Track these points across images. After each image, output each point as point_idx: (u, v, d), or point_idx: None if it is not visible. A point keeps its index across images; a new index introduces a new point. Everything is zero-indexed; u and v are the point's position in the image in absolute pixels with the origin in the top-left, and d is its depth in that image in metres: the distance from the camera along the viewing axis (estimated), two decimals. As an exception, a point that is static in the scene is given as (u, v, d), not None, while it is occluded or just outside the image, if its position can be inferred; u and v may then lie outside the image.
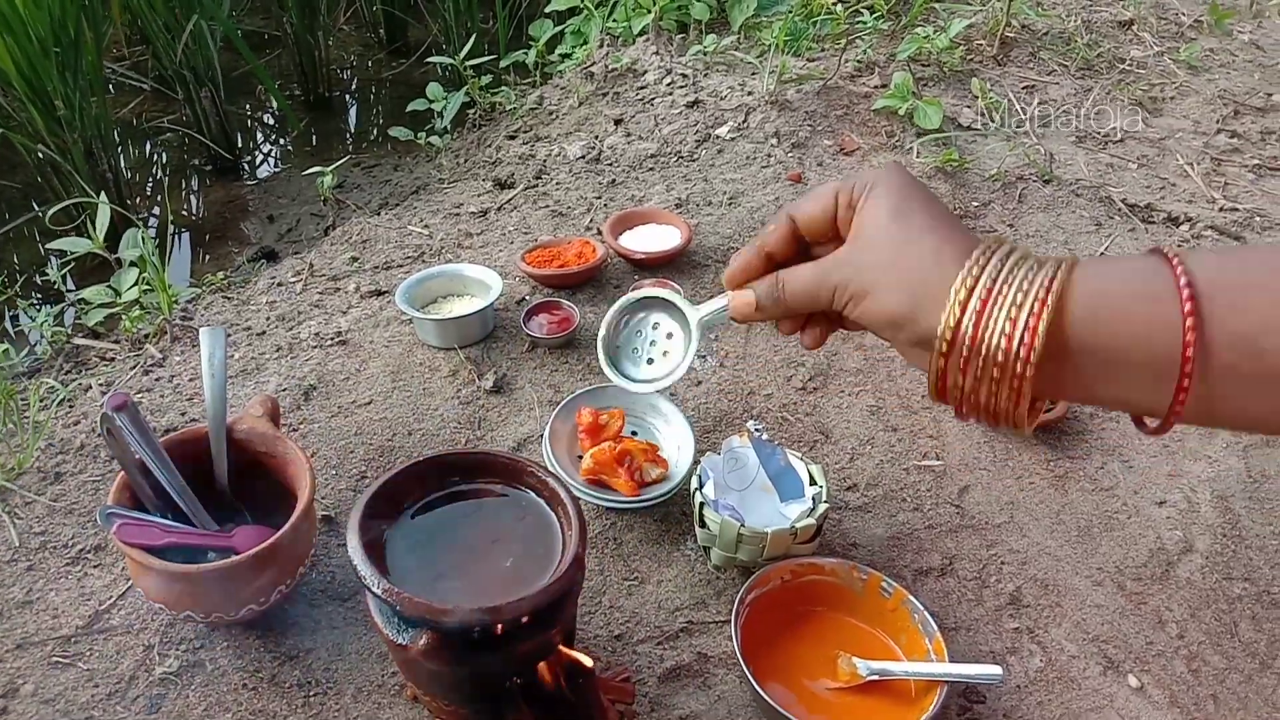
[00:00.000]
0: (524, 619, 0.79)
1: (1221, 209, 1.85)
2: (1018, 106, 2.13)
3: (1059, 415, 1.30)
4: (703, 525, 1.07)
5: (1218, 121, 2.16)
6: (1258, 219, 1.83)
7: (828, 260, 0.61)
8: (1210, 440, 1.34)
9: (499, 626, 0.79)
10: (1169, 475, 1.28)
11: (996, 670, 0.95)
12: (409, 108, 2.35)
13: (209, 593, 0.92)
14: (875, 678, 0.96)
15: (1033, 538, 1.17)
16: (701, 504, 1.06)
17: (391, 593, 0.77)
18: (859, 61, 2.20)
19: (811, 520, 1.04)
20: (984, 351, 0.53)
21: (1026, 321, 0.52)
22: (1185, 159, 2.01)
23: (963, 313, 0.53)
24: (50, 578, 1.05)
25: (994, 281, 0.54)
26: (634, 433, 1.22)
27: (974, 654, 1.03)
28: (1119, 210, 1.83)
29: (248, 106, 3.12)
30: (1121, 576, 1.13)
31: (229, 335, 1.42)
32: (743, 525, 1.02)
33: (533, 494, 0.91)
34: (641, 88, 2.13)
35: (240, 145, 2.89)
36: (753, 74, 2.13)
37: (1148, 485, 1.26)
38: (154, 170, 2.81)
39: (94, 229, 1.56)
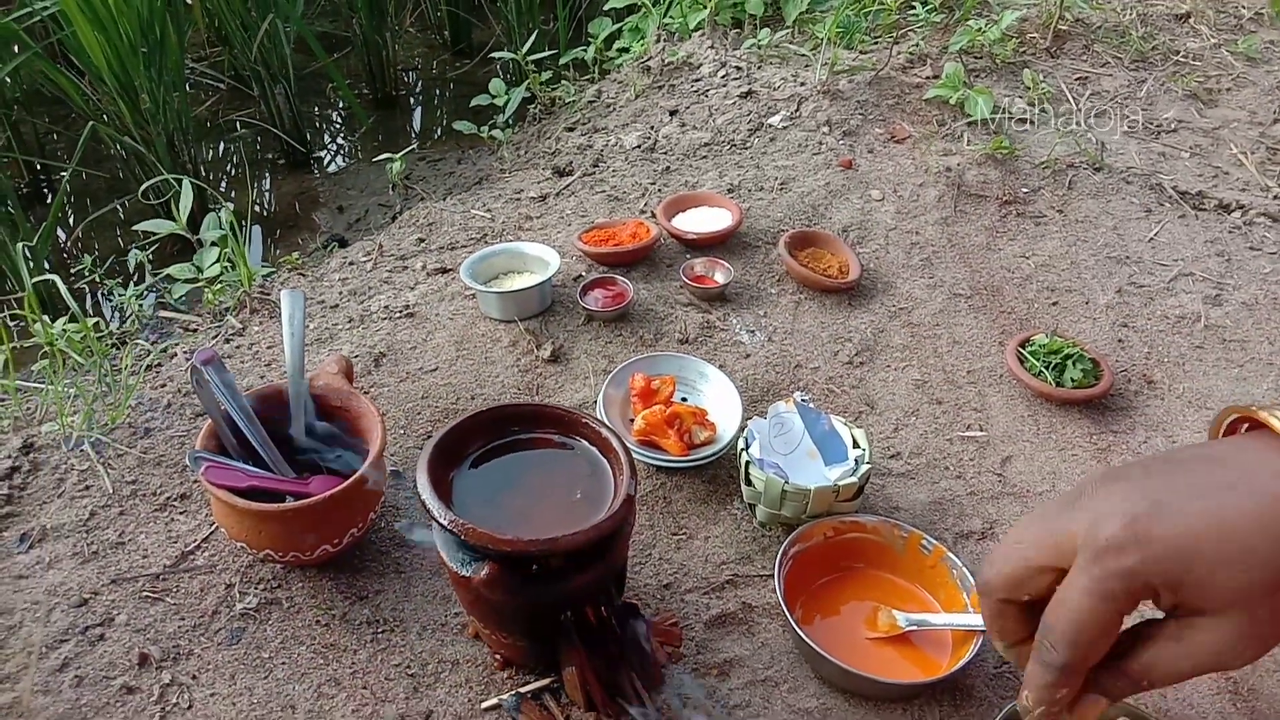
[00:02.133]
0: (579, 552, 0.85)
1: (1275, 197, 1.85)
2: (1070, 97, 2.14)
3: (1103, 390, 1.33)
4: (749, 483, 1.11)
5: (1275, 112, 2.15)
6: (1312, 207, 1.83)
7: (1208, 644, 0.52)
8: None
9: (556, 557, 0.85)
10: (1212, 449, 1.30)
11: None
12: (472, 103, 2.43)
13: (287, 532, 0.99)
14: (914, 629, 1.00)
15: (1073, 505, 1.20)
16: (748, 462, 1.11)
17: (456, 524, 0.83)
18: (911, 53, 2.23)
19: (854, 479, 1.08)
20: None
21: None
22: (1239, 148, 2.01)
23: None
24: (140, 522, 1.13)
25: None
26: (684, 399, 1.27)
27: (1011, 611, 1.07)
28: (1169, 197, 1.84)
29: (318, 105, 3.24)
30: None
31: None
32: (787, 482, 1.07)
33: (587, 443, 0.97)
34: (696, 80, 2.18)
35: (311, 140, 3.01)
36: (805, 66, 2.18)
37: (1190, 459, 1.28)
38: (230, 163, 2.93)
39: (178, 211, 1.65)
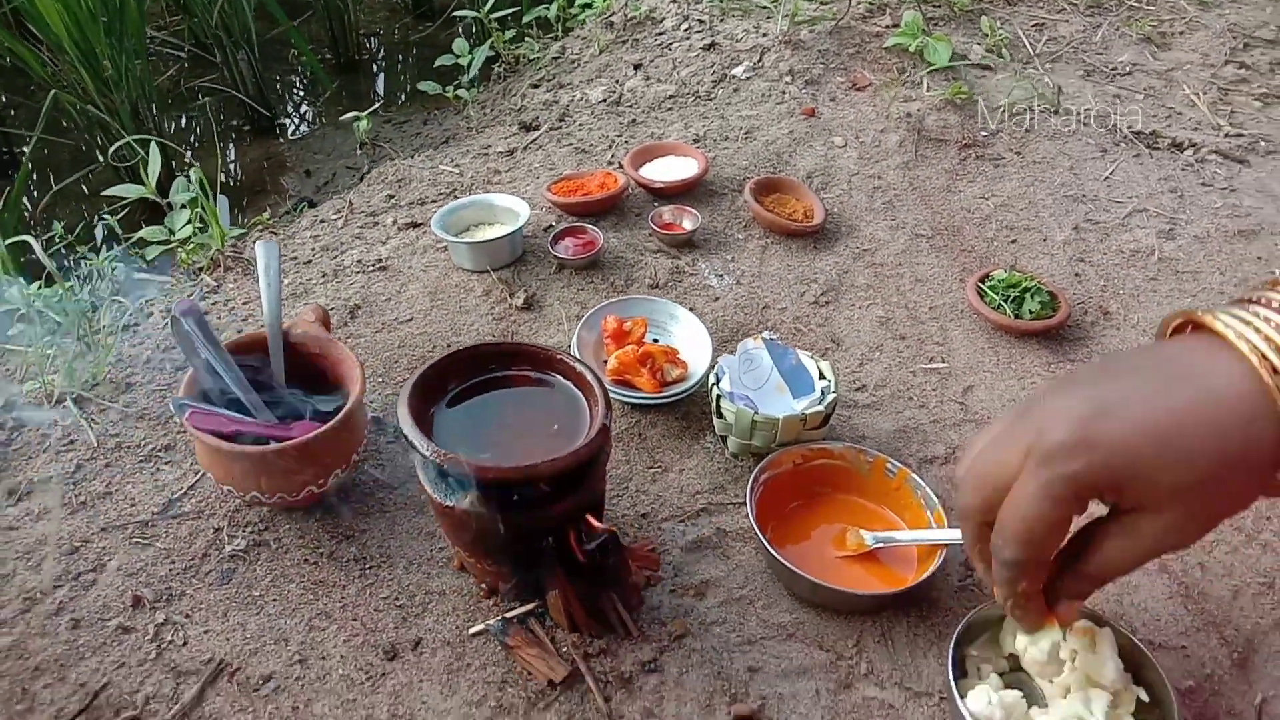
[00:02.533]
0: (558, 478, 0.88)
1: (1226, 135, 1.90)
2: (1027, 43, 2.18)
3: (1061, 321, 1.38)
4: (720, 415, 1.15)
5: (1226, 54, 2.20)
6: (1262, 144, 1.88)
7: (1150, 536, 0.56)
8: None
9: (536, 484, 0.89)
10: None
11: None
12: (436, 63, 2.44)
13: (273, 473, 1.02)
14: (880, 546, 1.05)
15: (1032, 430, 1.25)
16: (719, 396, 1.14)
17: (439, 454, 0.86)
18: (870, 2, 2.26)
19: (820, 408, 1.12)
20: None
21: None
22: (1192, 89, 2.06)
23: (1270, 361, 0.51)
24: (126, 473, 1.16)
25: (1253, 326, 0.52)
26: (655, 339, 1.31)
27: (974, 529, 1.11)
28: (1124, 138, 1.89)
29: (281, 71, 3.23)
30: (1116, 463, 1.20)
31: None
32: (756, 413, 1.11)
33: (562, 378, 1.00)
34: (660, 34, 2.20)
35: (275, 106, 3.00)
36: (767, 17, 2.20)
37: (1144, 383, 1.33)
38: (195, 131, 2.92)
39: (146, 176, 1.66)
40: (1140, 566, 0.59)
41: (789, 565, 0.97)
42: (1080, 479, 0.54)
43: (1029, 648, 0.75)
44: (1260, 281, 0.56)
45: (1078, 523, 0.60)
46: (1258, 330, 0.53)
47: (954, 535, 1.04)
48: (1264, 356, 0.52)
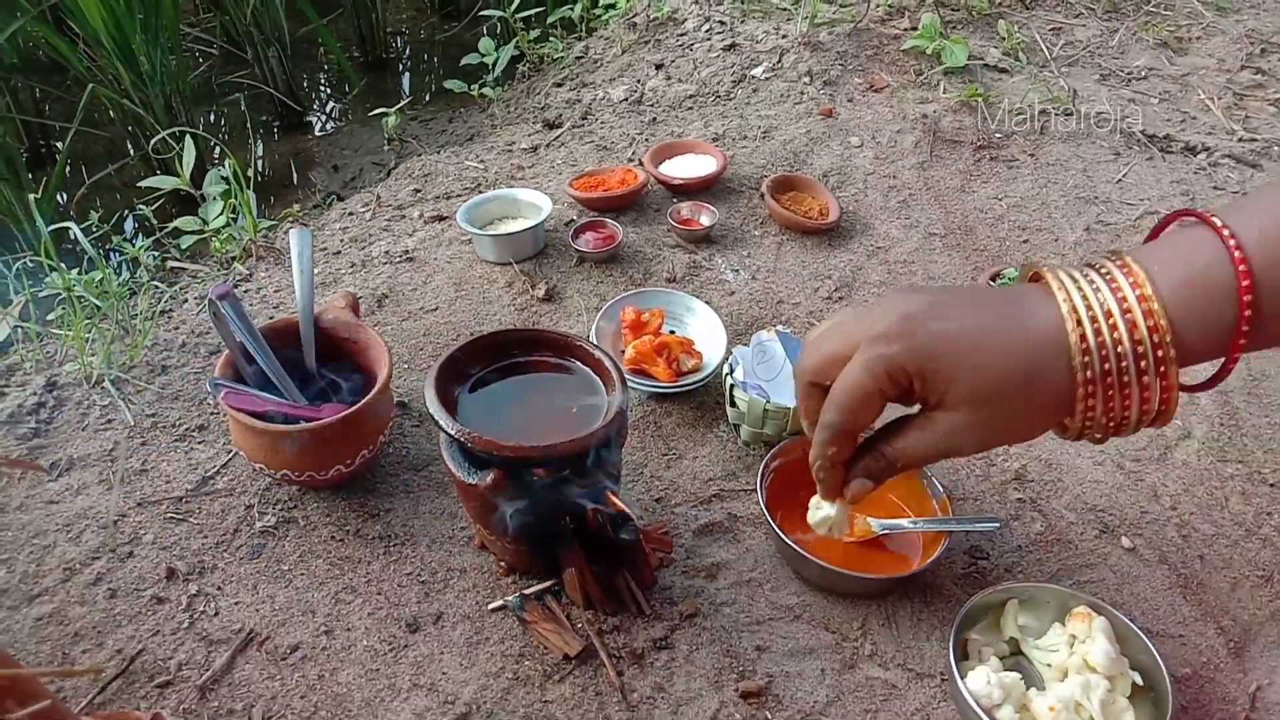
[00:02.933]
0: (577, 458, 0.92)
1: (1240, 139, 1.92)
2: (1043, 47, 2.21)
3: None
4: (733, 404, 1.19)
5: (1243, 59, 2.21)
6: (1275, 148, 1.89)
7: (944, 432, 0.63)
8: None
9: (556, 463, 0.93)
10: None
11: (994, 520, 1.07)
12: (462, 62, 2.48)
13: (304, 452, 1.06)
14: (886, 532, 1.08)
15: (1039, 424, 1.28)
16: (732, 385, 1.18)
17: (464, 433, 0.90)
18: (889, 5, 2.29)
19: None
20: (1119, 344, 0.57)
21: (1135, 295, 0.57)
22: (1207, 94, 2.07)
23: (1081, 325, 0.58)
24: (162, 451, 1.21)
25: (1081, 290, 0.59)
26: (672, 330, 1.34)
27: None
28: (1138, 141, 1.91)
29: (309, 69, 3.28)
30: (1121, 458, 1.23)
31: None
32: (768, 402, 1.15)
33: (581, 364, 1.04)
34: (681, 35, 2.24)
35: (304, 102, 3.05)
36: (787, 19, 2.23)
37: (1151, 381, 1.36)
38: (226, 125, 2.98)
39: (181, 168, 1.71)
40: (929, 460, 0.66)
41: (798, 549, 1.01)
42: (893, 360, 0.61)
43: (815, 511, 0.80)
44: (1107, 250, 0.61)
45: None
46: (1080, 290, 0.60)
47: (957, 524, 1.07)
48: (1075, 313, 0.58)
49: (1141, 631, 0.93)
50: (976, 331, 0.60)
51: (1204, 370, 0.62)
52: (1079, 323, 0.58)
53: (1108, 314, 0.58)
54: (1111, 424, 0.61)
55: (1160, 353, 0.57)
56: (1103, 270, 0.60)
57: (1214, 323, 0.58)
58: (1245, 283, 0.56)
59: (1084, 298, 0.59)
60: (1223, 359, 0.60)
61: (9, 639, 0.98)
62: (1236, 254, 0.56)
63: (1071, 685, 0.89)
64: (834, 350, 0.65)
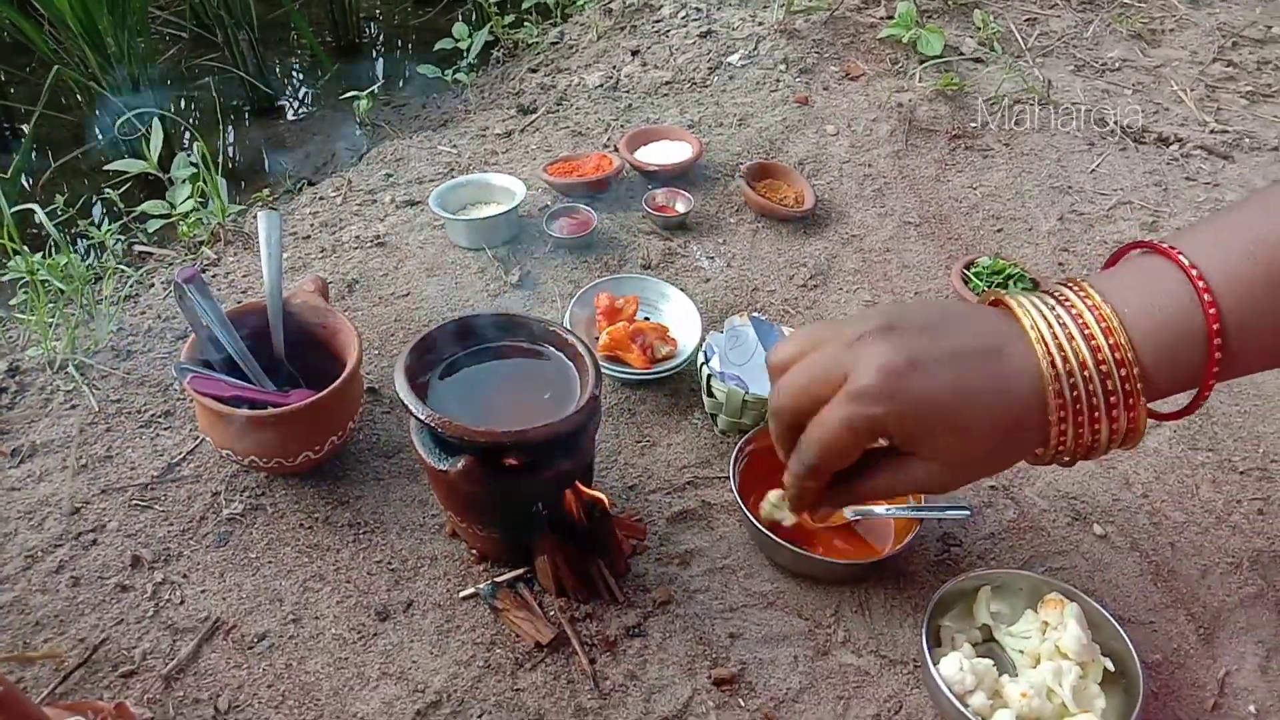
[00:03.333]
0: (549, 444, 0.91)
1: (1212, 131, 1.93)
2: (1019, 37, 2.21)
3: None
4: (710, 395, 1.18)
5: (1215, 51, 2.23)
6: (1246, 140, 1.91)
7: (913, 475, 0.64)
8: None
9: (527, 449, 0.92)
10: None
11: (965, 508, 1.06)
12: (436, 47, 2.45)
13: (271, 438, 1.04)
14: (858, 519, 1.08)
15: (1012, 412, 1.28)
16: (709, 375, 1.17)
17: (434, 418, 0.89)
18: (866, -6, 2.29)
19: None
20: (1088, 378, 0.57)
21: (1102, 329, 0.57)
22: (1180, 86, 2.08)
23: (1050, 353, 0.58)
24: (127, 437, 1.18)
25: (1045, 318, 0.59)
26: (646, 317, 1.33)
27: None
28: (1111, 131, 1.92)
29: (280, 53, 3.24)
30: (1093, 446, 1.23)
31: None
32: (747, 393, 1.14)
33: (554, 349, 1.03)
34: (657, 21, 2.23)
35: (275, 87, 3.01)
36: (763, 6, 2.22)
37: (1123, 370, 1.36)
38: (195, 109, 2.93)
39: (148, 151, 1.68)
40: (897, 497, 0.70)
41: (770, 535, 1.00)
42: (877, 421, 0.60)
43: (773, 509, 0.79)
44: (1063, 277, 0.62)
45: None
46: (1043, 315, 0.60)
47: (929, 511, 1.07)
48: (1043, 341, 0.59)
49: (1113, 618, 0.93)
50: (959, 394, 0.59)
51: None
52: (1052, 363, 0.58)
53: (1079, 353, 0.58)
54: (1081, 449, 0.61)
55: (1127, 385, 0.57)
56: (1066, 303, 0.60)
57: (1183, 366, 0.58)
58: (1215, 326, 0.56)
59: (1053, 334, 0.59)
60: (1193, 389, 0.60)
61: (-32, 628, 0.96)
62: (1205, 295, 0.56)
63: (1044, 671, 0.89)
64: (814, 395, 0.64)
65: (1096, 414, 0.58)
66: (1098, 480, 1.18)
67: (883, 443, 0.65)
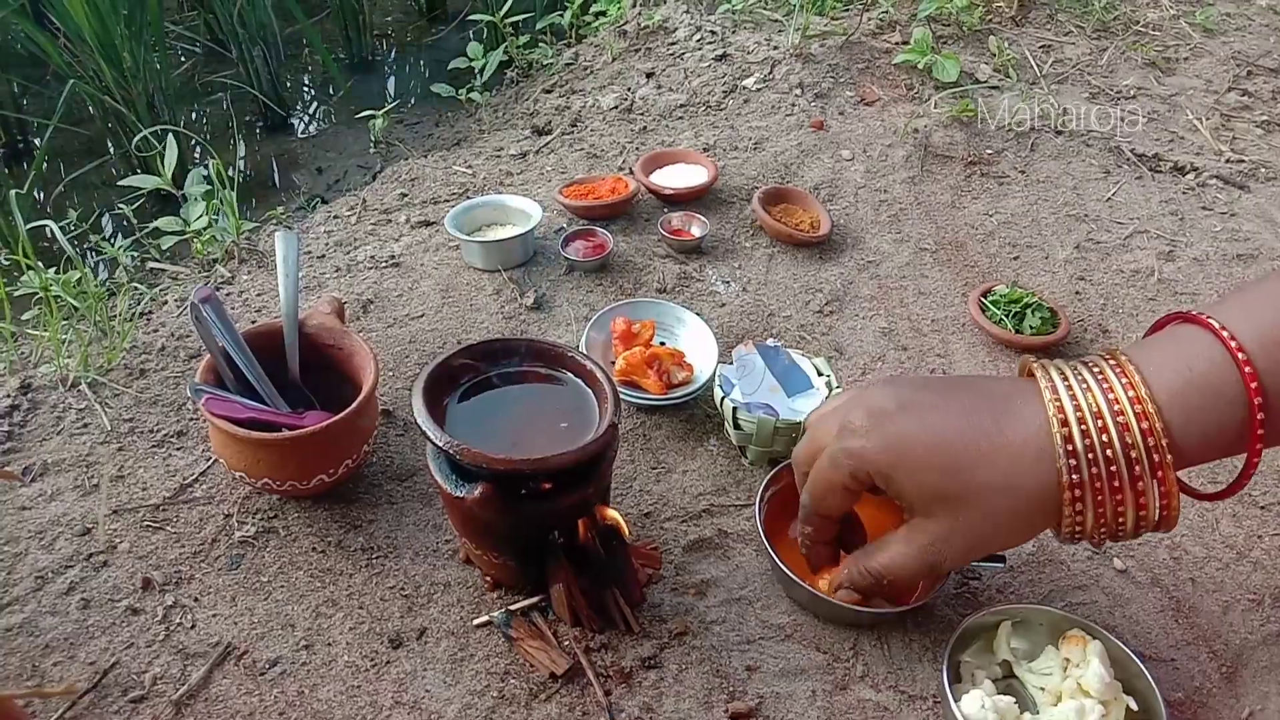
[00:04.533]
0: (567, 472, 0.90)
1: (1228, 160, 1.92)
2: (1033, 64, 2.21)
3: (1061, 337, 1.40)
4: (737, 427, 1.16)
5: (1230, 81, 2.22)
6: (1262, 170, 1.90)
7: (923, 545, 0.63)
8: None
9: (545, 477, 0.91)
10: (1161, 393, 1.37)
11: (1000, 560, 1.02)
12: (450, 66, 2.46)
13: (285, 461, 1.04)
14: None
15: (1030, 443, 1.27)
16: (734, 408, 1.15)
17: (452, 444, 0.88)
18: (880, 19, 2.29)
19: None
20: (1108, 445, 0.55)
21: (1129, 397, 0.55)
22: (1195, 115, 2.08)
23: (1062, 407, 0.56)
24: (139, 457, 1.18)
25: (1071, 389, 0.57)
26: (662, 342, 1.33)
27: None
28: (1127, 159, 1.91)
29: (293, 70, 3.25)
30: (1112, 478, 1.22)
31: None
32: (778, 420, 1.13)
33: (572, 375, 1.02)
34: (672, 44, 2.23)
35: (289, 103, 3.02)
36: (779, 30, 2.23)
37: (1141, 401, 1.35)
38: (208, 124, 2.94)
39: (162, 167, 1.68)
40: (915, 577, 0.67)
41: (790, 574, 0.98)
42: (856, 455, 0.61)
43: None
44: (1104, 349, 0.61)
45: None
46: (1069, 388, 0.58)
47: None
48: (1062, 414, 0.57)
49: (1135, 655, 0.92)
50: (945, 435, 0.58)
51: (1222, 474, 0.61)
52: (1065, 424, 0.56)
53: (1097, 415, 0.56)
54: (1104, 529, 0.59)
55: (1155, 456, 0.56)
56: (1094, 369, 0.58)
57: (1215, 429, 0.56)
58: (1254, 385, 0.55)
59: (1073, 397, 0.57)
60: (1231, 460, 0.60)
61: (-23, 650, 0.95)
62: (1242, 360, 0.55)
63: (1066, 710, 0.88)
64: (817, 441, 0.66)
65: (1119, 492, 0.56)
66: (1117, 513, 1.17)
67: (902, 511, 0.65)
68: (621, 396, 1.23)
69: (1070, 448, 0.55)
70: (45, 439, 1.19)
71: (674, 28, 2.29)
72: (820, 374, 1.21)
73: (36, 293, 1.38)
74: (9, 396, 1.23)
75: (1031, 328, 1.40)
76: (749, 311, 1.46)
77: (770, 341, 1.26)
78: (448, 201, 1.73)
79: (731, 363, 1.23)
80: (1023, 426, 0.57)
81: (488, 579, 1.04)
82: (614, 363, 1.27)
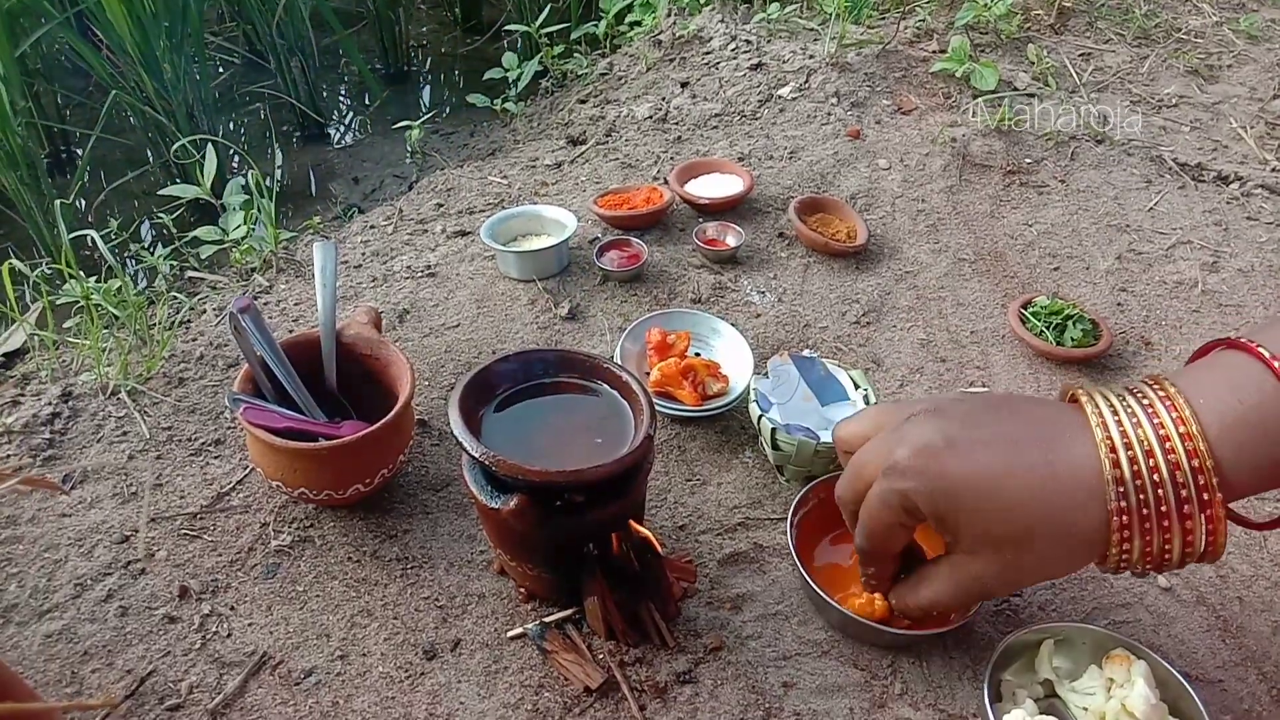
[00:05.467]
0: (603, 484, 0.90)
1: (1273, 170, 1.89)
2: (1073, 72, 2.19)
3: (1102, 349, 1.37)
4: (776, 448, 1.15)
5: (1275, 88, 2.19)
6: (1310, 179, 1.87)
7: (964, 577, 0.62)
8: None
9: (581, 489, 0.90)
10: (1207, 407, 1.34)
11: None
12: (485, 76, 2.47)
13: (322, 471, 1.04)
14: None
15: (1072, 457, 1.25)
16: (773, 429, 1.14)
17: (488, 455, 0.88)
18: (918, 28, 2.27)
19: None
20: (1157, 480, 0.54)
21: (1179, 431, 0.53)
22: (1239, 123, 2.05)
23: (1112, 440, 0.55)
24: (177, 465, 1.19)
25: (1120, 422, 0.55)
26: (698, 353, 1.32)
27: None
28: (1169, 169, 1.88)
29: (330, 80, 3.29)
30: (1156, 494, 1.20)
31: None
32: (819, 444, 1.11)
33: (608, 386, 1.01)
34: (707, 53, 2.23)
35: (326, 113, 3.05)
36: (814, 39, 2.22)
37: (1185, 415, 1.33)
38: (246, 134, 2.98)
39: (202, 177, 1.70)
40: (960, 604, 0.67)
41: (824, 595, 0.96)
42: (907, 495, 0.60)
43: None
44: (1149, 376, 0.59)
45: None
46: (1118, 420, 0.57)
47: None
48: (1111, 446, 0.56)
49: (1181, 676, 0.90)
50: (997, 474, 0.57)
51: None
52: (1116, 463, 0.55)
53: (1148, 452, 0.54)
54: (1150, 561, 0.58)
55: (1205, 495, 0.54)
56: (1142, 399, 0.57)
57: (1267, 461, 0.55)
58: None
59: (1123, 433, 0.56)
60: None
61: (17, 656, 0.96)
62: None
63: (1110, 732, 0.86)
64: (864, 478, 0.65)
65: (1167, 520, 0.55)
66: (1161, 530, 1.15)
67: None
68: (656, 408, 1.22)
69: (1120, 480, 0.54)
70: (85, 446, 1.21)
71: (709, 37, 2.28)
72: (857, 386, 1.20)
73: (78, 301, 1.39)
74: (50, 404, 1.25)
75: (1073, 340, 1.38)
76: (785, 322, 1.45)
77: (806, 352, 1.25)
78: (483, 211, 1.73)
79: (767, 374, 1.22)
80: (1074, 461, 0.56)
81: (522, 590, 1.03)
82: (649, 374, 1.26)
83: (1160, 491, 0.54)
